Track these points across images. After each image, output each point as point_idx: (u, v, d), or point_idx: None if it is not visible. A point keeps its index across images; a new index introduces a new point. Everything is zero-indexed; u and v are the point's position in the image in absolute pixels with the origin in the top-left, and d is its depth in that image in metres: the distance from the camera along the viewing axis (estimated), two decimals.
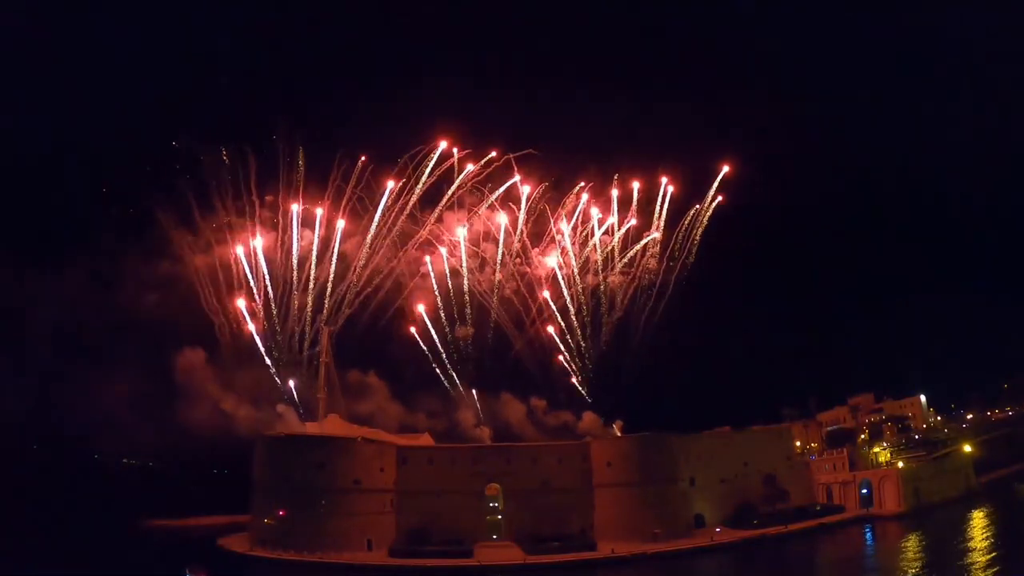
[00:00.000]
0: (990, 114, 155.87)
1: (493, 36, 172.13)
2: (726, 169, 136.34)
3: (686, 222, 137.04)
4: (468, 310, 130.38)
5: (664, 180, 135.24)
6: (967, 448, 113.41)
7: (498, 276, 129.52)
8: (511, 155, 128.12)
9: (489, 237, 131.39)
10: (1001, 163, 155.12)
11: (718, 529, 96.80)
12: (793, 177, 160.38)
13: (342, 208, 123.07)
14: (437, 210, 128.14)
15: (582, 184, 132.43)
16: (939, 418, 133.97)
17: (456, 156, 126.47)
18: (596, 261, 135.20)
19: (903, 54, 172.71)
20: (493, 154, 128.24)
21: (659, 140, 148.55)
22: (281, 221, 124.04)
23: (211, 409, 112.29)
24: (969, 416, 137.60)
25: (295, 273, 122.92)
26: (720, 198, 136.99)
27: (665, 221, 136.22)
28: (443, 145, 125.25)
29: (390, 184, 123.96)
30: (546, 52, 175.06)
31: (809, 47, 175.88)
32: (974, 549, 72.13)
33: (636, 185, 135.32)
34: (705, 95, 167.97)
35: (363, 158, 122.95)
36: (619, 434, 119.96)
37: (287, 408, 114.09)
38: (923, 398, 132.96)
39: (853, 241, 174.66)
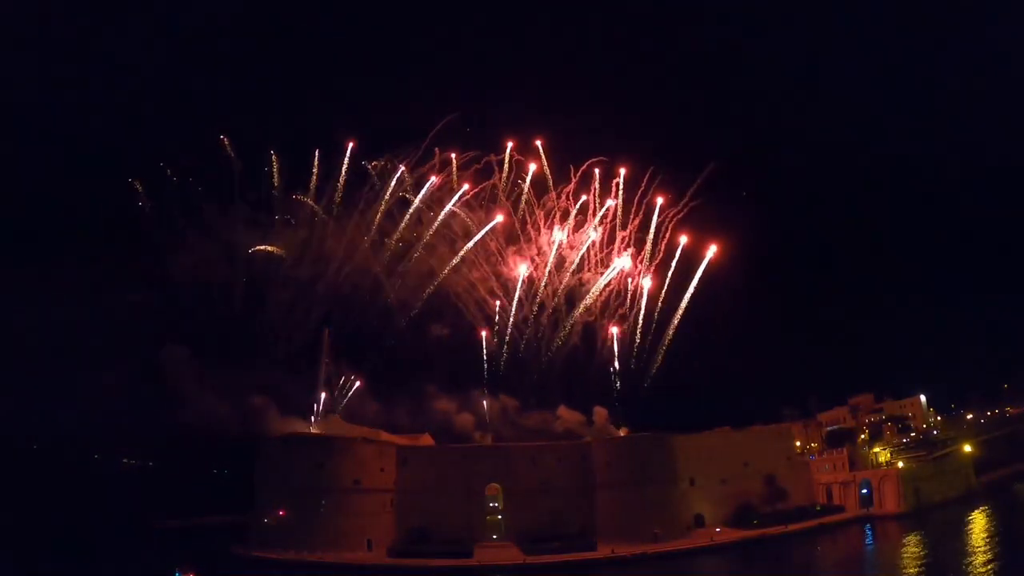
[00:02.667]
0: (990, 118, 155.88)
1: (494, 34, 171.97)
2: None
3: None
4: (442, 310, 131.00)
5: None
6: (967, 448, 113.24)
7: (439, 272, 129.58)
8: (492, 156, 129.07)
9: (469, 237, 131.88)
10: (1003, 164, 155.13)
11: (718, 529, 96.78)
12: (794, 179, 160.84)
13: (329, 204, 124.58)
14: (415, 204, 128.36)
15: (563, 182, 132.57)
16: (939, 418, 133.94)
17: (438, 157, 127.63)
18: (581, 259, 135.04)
19: (906, 57, 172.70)
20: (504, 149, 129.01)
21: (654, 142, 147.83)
22: (266, 219, 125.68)
23: (196, 406, 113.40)
24: (969, 416, 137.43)
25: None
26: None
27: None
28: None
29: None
30: (547, 55, 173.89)
31: (815, 49, 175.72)
32: (974, 549, 72.09)
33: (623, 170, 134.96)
34: (708, 100, 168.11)
35: (352, 143, 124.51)
36: (602, 422, 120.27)
37: (266, 401, 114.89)
38: (923, 398, 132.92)
39: (854, 242, 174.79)
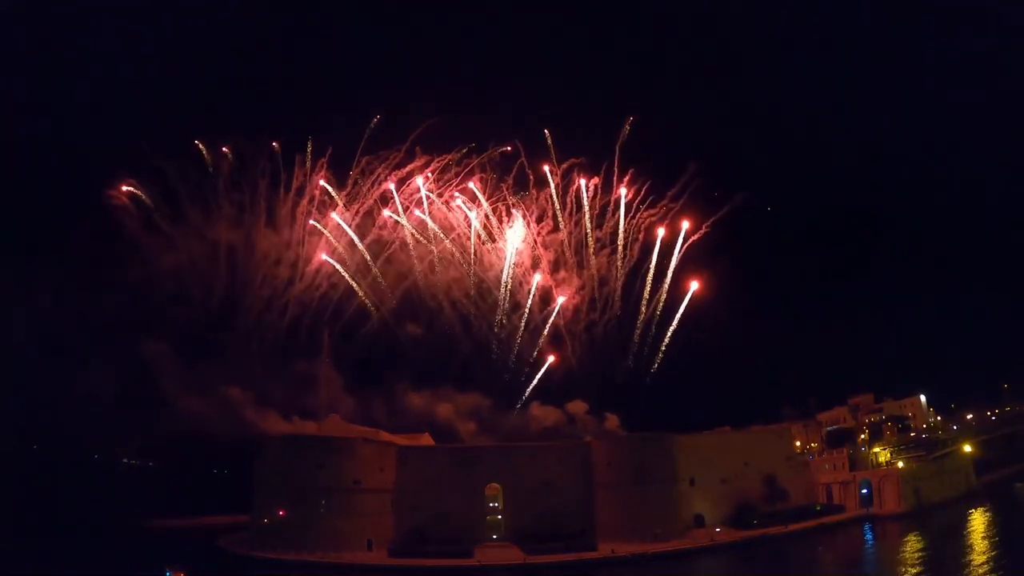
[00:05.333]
0: (990, 116, 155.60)
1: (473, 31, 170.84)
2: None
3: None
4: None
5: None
6: (967, 448, 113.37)
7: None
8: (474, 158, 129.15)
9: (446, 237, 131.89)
10: (1003, 163, 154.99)
11: (718, 529, 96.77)
12: (794, 178, 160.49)
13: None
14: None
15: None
16: (939, 418, 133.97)
17: (420, 160, 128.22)
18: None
19: (911, 55, 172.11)
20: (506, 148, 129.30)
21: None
22: (249, 219, 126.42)
23: (179, 403, 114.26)
24: (969, 416, 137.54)
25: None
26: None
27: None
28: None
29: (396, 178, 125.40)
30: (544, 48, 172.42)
31: (813, 44, 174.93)
32: (974, 549, 72.16)
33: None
34: (705, 90, 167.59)
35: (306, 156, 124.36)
36: (582, 415, 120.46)
37: (243, 394, 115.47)
38: (923, 398, 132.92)
39: (853, 241, 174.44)
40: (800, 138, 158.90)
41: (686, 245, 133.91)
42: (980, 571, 62.26)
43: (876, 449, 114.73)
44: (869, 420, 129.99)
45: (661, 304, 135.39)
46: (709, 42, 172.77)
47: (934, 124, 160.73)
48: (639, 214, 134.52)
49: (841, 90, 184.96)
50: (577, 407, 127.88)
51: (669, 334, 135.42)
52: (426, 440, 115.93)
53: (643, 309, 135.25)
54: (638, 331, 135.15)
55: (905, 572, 66.28)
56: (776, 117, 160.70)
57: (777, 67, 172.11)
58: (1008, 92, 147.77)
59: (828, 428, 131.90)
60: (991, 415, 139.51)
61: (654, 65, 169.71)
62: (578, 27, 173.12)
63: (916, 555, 73.55)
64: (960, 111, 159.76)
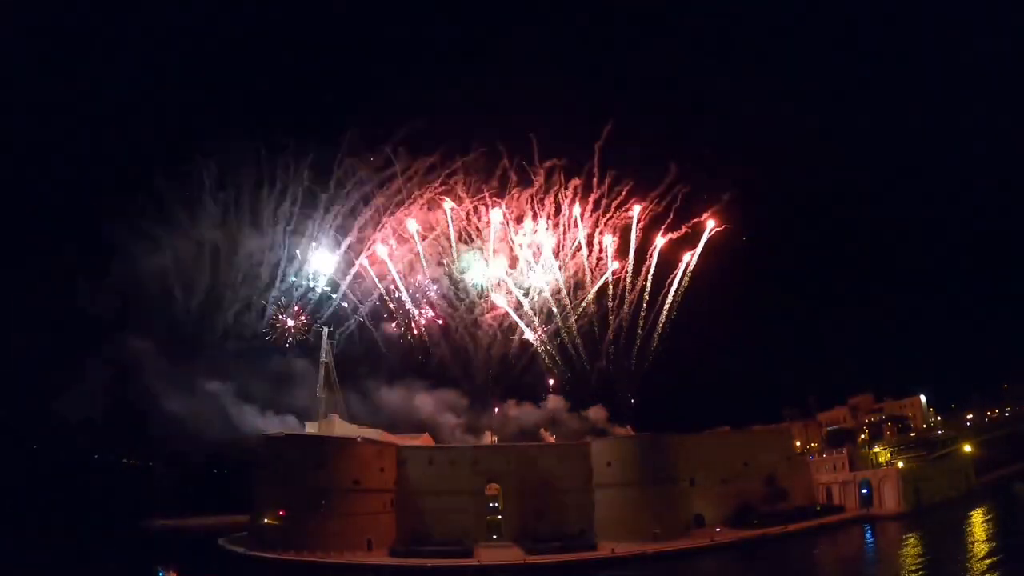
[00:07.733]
0: (990, 115, 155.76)
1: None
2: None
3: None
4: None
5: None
6: (967, 448, 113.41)
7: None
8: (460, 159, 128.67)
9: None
10: (1004, 164, 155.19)
11: (718, 529, 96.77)
12: (791, 175, 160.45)
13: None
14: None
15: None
16: (939, 418, 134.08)
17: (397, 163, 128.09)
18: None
19: (898, 52, 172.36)
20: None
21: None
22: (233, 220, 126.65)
23: (167, 401, 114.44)
24: (969, 416, 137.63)
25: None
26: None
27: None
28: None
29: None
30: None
31: (804, 41, 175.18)
32: (974, 549, 72.12)
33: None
34: (697, 92, 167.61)
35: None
36: (565, 410, 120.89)
37: (224, 387, 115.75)
38: (923, 398, 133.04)
39: (853, 240, 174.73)
40: (796, 137, 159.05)
41: (667, 240, 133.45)
42: (980, 571, 62.23)
43: (876, 449, 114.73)
44: (869, 420, 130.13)
45: (646, 302, 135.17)
46: (698, 43, 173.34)
47: (936, 125, 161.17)
48: (616, 215, 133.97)
49: (839, 88, 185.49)
50: (555, 401, 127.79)
51: (658, 333, 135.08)
52: (426, 440, 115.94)
53: (612, 307, 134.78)
54: (611, 328, 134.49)
55: (905, 572, 66.28)
56: (770, 116, 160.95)
57: (769, 67, 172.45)
58: (1009, 94, 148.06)
59: (828, 428, 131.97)
60: (991, 415, 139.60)
61: (641, 66, 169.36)
62: (565, 26, 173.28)
63: (916, 555, 73.56)
64: (961, 112, 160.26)
